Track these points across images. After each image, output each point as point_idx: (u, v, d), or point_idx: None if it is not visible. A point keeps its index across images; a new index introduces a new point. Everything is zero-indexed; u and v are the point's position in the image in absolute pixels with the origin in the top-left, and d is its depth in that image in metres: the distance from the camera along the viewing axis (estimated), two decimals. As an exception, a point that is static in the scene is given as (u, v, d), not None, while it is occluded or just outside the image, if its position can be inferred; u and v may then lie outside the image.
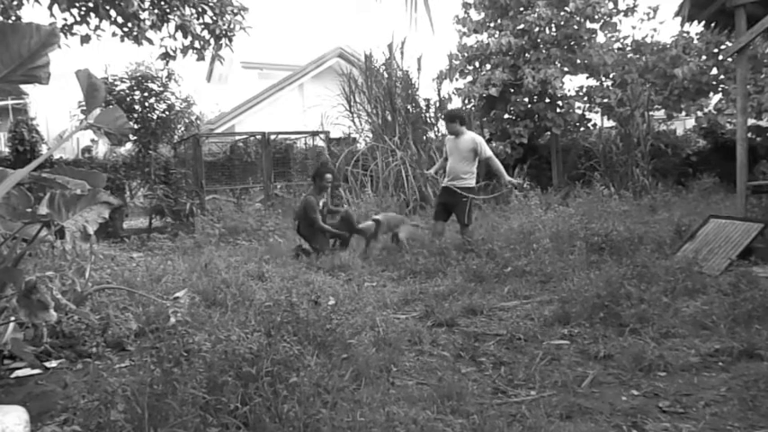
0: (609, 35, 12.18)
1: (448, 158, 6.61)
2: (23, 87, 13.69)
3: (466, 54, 12.07)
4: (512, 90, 11.57)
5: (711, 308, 3.71)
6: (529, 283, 4.83)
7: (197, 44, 6.98)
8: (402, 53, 11.79)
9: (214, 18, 6.90)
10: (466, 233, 6.30)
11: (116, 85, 10.68)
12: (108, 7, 6.25)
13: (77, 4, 6.29)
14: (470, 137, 6.50)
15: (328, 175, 6.77)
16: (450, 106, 12.05)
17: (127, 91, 10.75)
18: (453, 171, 6.49)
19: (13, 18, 6.18)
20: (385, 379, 2.85)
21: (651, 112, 12.30)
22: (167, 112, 11.14)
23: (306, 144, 11.75)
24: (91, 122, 2.77)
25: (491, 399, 2.66)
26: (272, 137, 10.99)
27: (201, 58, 7.22)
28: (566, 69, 11.67)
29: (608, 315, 3.63)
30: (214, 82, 22.20)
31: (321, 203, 6.82)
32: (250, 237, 7.95)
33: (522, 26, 11.32)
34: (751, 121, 11.42)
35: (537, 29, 11.17)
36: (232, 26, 7.00)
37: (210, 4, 6.80)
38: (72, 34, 6.54)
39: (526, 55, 11.62)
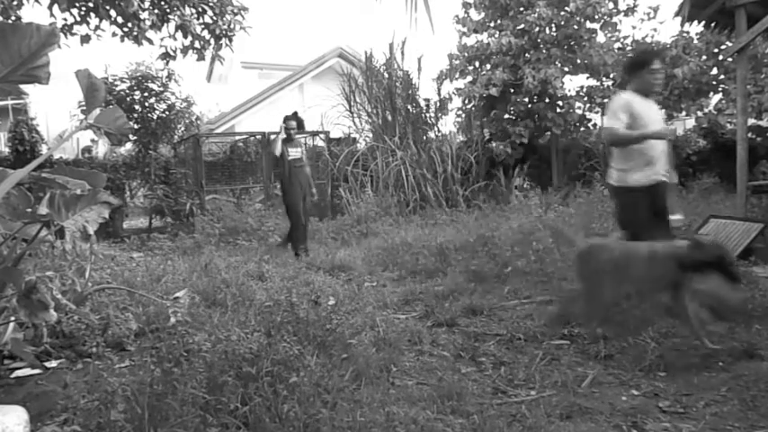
0: (609, 35, 12.17)
1: (643, 130, 3.60)
2: (23, 87, 13.68)
3: (466, 54, 12.06)
4: (512, 90, 11.56)
5: (711, 308, 3.71)
6: (529, 283, 4.82)
7: (197, 44, 6.97)
8: (402, 53, 11.80)
9: (214, 18, 6.88)
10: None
11: (116, 85, 10.68)
12: (108, 7, 6.23)
13: (77, 4, 6.27)
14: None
15: (292, 122, 7.33)
16: (450, 106, 12.05)
17: (127, 91, 10.75)
18: (664, 155, 3.77)
19: (13, 18, 6.16)
20: (385, 379, 2.85)
21: (651, 112, 12.26)
22: (167, 112, 11.14)
23: (306, 144, 11.74)
24: (91, 122, 2.76)
25: (491, 399, 2.66)
26: (272, 137, 10.98)
27: (201, 58, 7.21)
28: (566, 69, 11.66)
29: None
30: (214, 82, 22.18)
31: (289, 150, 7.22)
32: (250, 237, 7.95)
33: (522, 26, 11.31)
34: (751, 121, 11.41)
35: (537, 29, 11.16)
36: (232, 26, 6.99)
37: (210, 4, 6.79)
38: (72, 34, 6.52)
39: (526, 55, 11.61)
